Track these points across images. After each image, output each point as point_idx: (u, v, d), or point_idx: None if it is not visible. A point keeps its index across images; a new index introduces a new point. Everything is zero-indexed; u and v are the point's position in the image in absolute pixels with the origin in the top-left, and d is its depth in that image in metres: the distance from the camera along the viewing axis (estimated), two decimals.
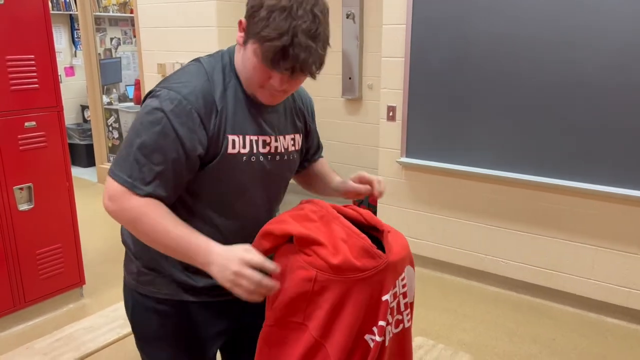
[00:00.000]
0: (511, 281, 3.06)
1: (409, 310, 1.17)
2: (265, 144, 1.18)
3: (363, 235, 1.10)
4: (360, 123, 4.35)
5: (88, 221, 3.83)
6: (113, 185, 1.06)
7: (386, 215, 3.34)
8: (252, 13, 1.01)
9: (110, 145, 5.37)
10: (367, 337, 1.07)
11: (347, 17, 4.13)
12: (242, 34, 1.06)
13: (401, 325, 1.15)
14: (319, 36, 1.00)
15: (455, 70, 2.92)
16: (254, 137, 1.15)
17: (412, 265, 1.20)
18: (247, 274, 0.99)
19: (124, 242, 1.28)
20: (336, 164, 4.39)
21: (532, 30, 2.65)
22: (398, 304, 1.13)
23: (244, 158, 1.15)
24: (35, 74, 2.51)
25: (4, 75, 2.39)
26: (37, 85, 2.53)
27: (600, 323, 2.74)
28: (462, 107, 2.94)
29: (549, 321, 2.75)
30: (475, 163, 2.97)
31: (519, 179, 2.84)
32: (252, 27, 1.01)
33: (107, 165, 5.26)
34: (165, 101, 1.06)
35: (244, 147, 1.14)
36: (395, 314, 1.13)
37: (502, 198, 2.98)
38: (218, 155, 1.11)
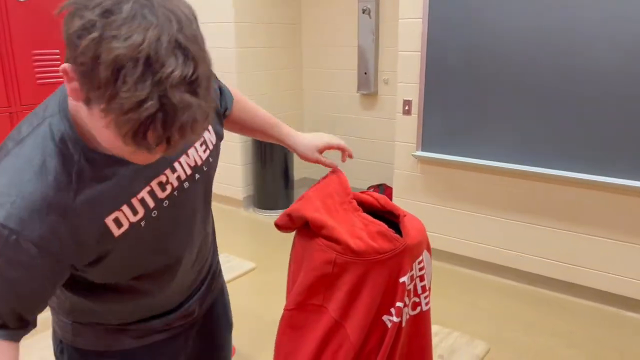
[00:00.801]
0: (528, 275, 3.06)
1: (427, 293, 1.20)
2: (162, 185, 0.90)
3: (379, 222, 1.14)
4: (376, 118, 4.36)
5: None
6: None
7: (402, 208, 3.35)
8: (85, 70, 0.64)
9: None
10: (384, 317, 1.10)
11: (364, 12, 4.15)
12: (77, 87, 0.67)
13: (419, 308, 1.18)
14: (197, 81, 0.66)
15: (472, 64, 2.92)
16: (144, 192, 0.87)
17: (429, 250, 1.23)
18: None
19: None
20: (352, 159, 4.41)
21: (549, 22, 2.64)
22: (415, 286, 1.16)
23: (143, 223, 0.88)
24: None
25: (31, 69, 2.46)
26: (62, 79, 2.59)
27: (619, 317, 2.73)
28: (479, 100, 2.94)
29: (567, 314, 2.75)
30: (492, 156, 2.97)
31: (536, 172, 2.84)
32: (91, 88, 0.64)
33: None
34: None
35: (136, 213, 0.87)
36: (412, 296, 1.16)
37: (518, 191, 2.98)
38: (107, 250, 0.85)
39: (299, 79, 4.71)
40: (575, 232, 2.85)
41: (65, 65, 0.68)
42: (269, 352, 1.22)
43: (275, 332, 1.17)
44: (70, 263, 0.81)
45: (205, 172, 0.99)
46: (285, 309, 1.16)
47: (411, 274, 1.13)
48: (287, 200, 4.32)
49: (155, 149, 0.67)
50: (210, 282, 1.22)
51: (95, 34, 0.62)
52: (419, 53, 3.11)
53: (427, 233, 1.23)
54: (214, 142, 1.03)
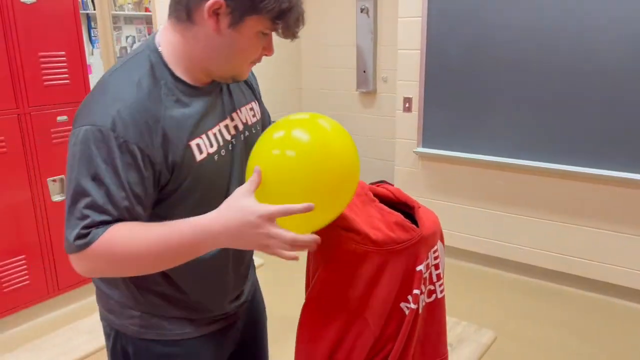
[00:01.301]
0: (530, 267, 3.12)
1: (441, 281, 1.25)
2: (227, 128, 1.07)
3: (396, 212, 1.18)
4: (375, 116, 4.41)
5: None
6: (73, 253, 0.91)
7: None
8: None
9: None
10: (402, 305, 1.15)
11: (362, 12, 4.20)
12: (225, 19, 0.93)
13: (434, 295, 1.23)
14: None
15: (472, 60, 2.98)
16: (216, 129, 1.03)
17: (442, 241, 1.28)
18: (275, 234, 0.89)
19: (106, 296, 1.12)
20: None
21: (548, 19, 2.70)
22: (430, 274, 1.21)
23: (216, 157, 1.02)
24: (66, 69, 2.61)
25: (38, 71, 2.49)
26: (68, 81, 2.62)
27: (617, 306, 2.80)
28: (478, 97, 3.00)
29: (569, 305, 2.81)
30: (492, 152, 3.03)
31: (535, 166, 2.90)
32: (248, 4, 0.91)
33: None
34: (85, 144, 0.89)
35: (212, 145, 1.02)
36: (427, 284, 1.21)
37: (519, 186, 3.04)
38: (187, 172, 0.98)
39: (298, 77, 4.75)
40: (576, 225, 2.92)
41: (211, 8, 0.91)
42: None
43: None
44: (160, 174, 0.95)
45: (250, 136, 1.12)
46: (307, 299, 1.20)
47: (427, 262, 1.18)
48: None
49: (290, 33, 0.96)
50: (250, 269, 1.28)
51: None
52: (419, 51, 3.16)
53: None
54: (258, 115, 1.18)
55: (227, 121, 1.07)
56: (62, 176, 2.66)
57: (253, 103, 1.17)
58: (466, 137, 3.10)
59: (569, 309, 2.78)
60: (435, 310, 1.24)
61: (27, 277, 2.59)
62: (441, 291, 1.25)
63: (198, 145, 0.99)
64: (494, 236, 3.21)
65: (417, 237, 1.14)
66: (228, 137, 1.06)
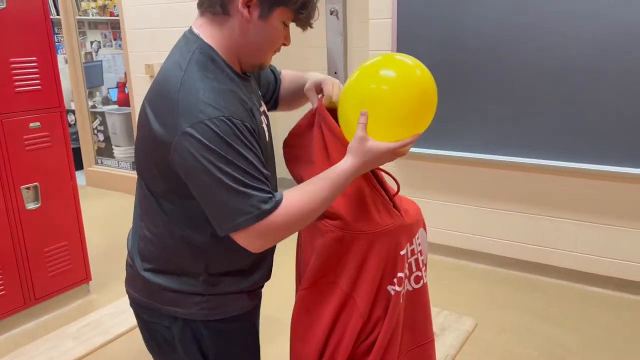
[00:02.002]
0: (500, 258, 3.23)
1: (425, 267, 1.31)
2: (260, 111, 1.19)
3: (384, 194, 1.24)
4: None
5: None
6: (247, 233, 1.01)
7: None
8: None
9: (96, 148, 5.39)
10: (389, 287, 1.21)
11: (331, 14, 4.25)
12: (255, 11, 1.05)
13: (421, 281, 1.29)
14: None
15: (442, 60, 3.07)
16: (259, 109, 1.17)
17: (424, 227, 1.34)
18: (397, 154, 1.14)
19: (162, 290, 1.17)
20: None
21: (518, 16, 2.81)
22: (417, 261, 1.27)
23: (267, 135, 1.18)
24: (37, 75, 2.57)
25: (9, 78, 2.44)
26: (39, 87, 2.58)
27: (587, 292, 2.93)
28: (451, 95, 3.09)
29: (539, 293, 2.93)
30: (466, 148, 3.12)
31: (504, 160, 3.00)
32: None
33: (95, 168, 5.29)
34: (214, 131, 0.97)
35: (262, 122, 1.16)
36: (414, 270, 1.26)
37: (490, 180, 3.15)
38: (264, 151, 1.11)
39: None
40: (543, 216, 3.04)
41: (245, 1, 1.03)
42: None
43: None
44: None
45: (269, 125, 1.24)
46: (300, 289, 1.24)
47: (411, 248, 1.24)
48: None
49: (308, 23, 1.11)
50: None
51: None
52: (390, 52, 3.23)
53: None
54: (268, 113, 1.29)
55: (263, 107, 1.22)
56: (37, 183, 2.62)
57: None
58: (440, 134, 3.18)
59: (539, 296, 2.89)
60: (422, 296, 1.30)
61: (2, 287, 2.53)
62: (425, 276, 1.31)
63: (261, 122, 1.14)
64: (465, 229, 3.30)
65: (399, 222, 1.20)
66: (264, 119, 1.18)
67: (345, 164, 1.08)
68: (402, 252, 1.21)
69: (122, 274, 1.27)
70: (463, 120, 3.09)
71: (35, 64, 2.56)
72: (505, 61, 2.88)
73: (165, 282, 1.15)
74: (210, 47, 1.08)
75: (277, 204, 1.01)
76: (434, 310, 2.20)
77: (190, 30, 1.12)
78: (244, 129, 1.00)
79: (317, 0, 1.11)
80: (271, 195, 1.01)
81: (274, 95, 1.40)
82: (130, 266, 1.23)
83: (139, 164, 1.13)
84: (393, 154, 1.11)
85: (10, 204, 2.52)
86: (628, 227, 2.82)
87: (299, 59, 4.59)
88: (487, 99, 2.98)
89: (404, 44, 3.17)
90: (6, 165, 2.48)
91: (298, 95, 1.41)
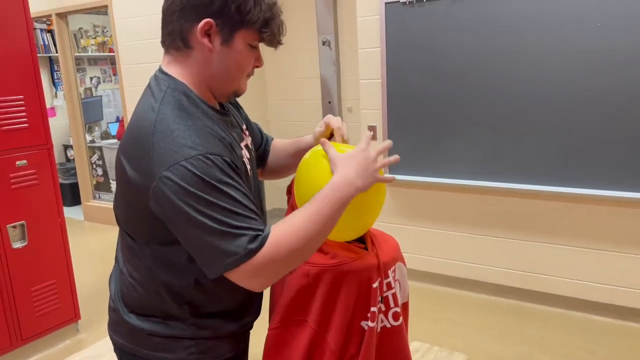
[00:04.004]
0: (497, 287, 3.15)
1: (403, 308, 1.26)
2: (247, 148, 1.17)
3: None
4: None
5: (77, 257, 3.83)
6: (238, 274, 0.95)
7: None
8: (230, 9, 1.00)
9: (94, 182, 5.40)
10: (362, 323, 1.16)
11: (324, 44, 4.29)
12: (217, 38, 1.02)
13: (401, 318, 1.23)
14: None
15: (431, 87, 3.06)
16: (242, 143, 1.15)
17: (403, 262, 1.30)
18: (377, 158, 1.10)
19: (149, 336, 1.13)
20: None
21: (503, 44, 2.81)
22: (394, 295, 1.22)
23: (249, 168, 1.14)
24: (24, 113, 2.58)
25: None
26: (26, 125, 2.59)
27: (587, 321, 2.84)
28: (440, 122, 3.07)
29: (537, 322, 2.84)
30: (456, 175, 3.09)
31: (498, 187, 2.96)
32: (235, 20, 1.01)
33: (93, 203, 5.28)
34: (191, 175, 0.92)
35: (244, 155, 1.13)
36: (391, 305, 1.21)
37: (482, 207, 3.10)
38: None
39: (264, 110, 4.79)
40: (539, 242, 2.97)
41: (209, 20, 1.00)
42: None
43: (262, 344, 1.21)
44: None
45: (252, 159, 1.21)
46: (270, 329, 1.20)
47: (387, 281, 1.20)
48: None
49: (275, 40, 1.08)
50: None
51: None
52: (380, 80, 3.24)
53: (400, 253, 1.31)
54: (251, 147, 1.25)
55: (246, 141, 1.18)
56: (23, 222, 2.60)
57: (243, 127, 1.25)
58: (431, 161, 3.15)
59: (536, 325, 2.80)
60: (403, 334, 1.25)
61: None
62: (404, 317, 1.26)
63: (242, 156, 1.10)
64: (460, 257, 3.24)
65: (365, 256, 1.17)
66: (247, 154, 1.15)
67: (331, 180, 1.03)
68: (374, 285, 1.16)
69: None
70: (452, 147, 3.06)
71: (22, 102, 2.57)
72: (490, 89, 2.87)
73: (152, 327, 1.11)
74: (182, 83, 1.05)
75: (264, 240, 0.95)
76: (424, 347, 2.13)
77: (160, 69, 1.09)
78: (223, 164, 0.95)
79: (281, 15, 1.07)
80: (260, 232, 0.95)
81: (259, 150, 1.37)
82: (113, 310, 1.19)
83: (120, 214, 1.10)
84: (374, 160, 1.08)
85: None
86: (628, 252, 2.75)
87: (293, 90, 4.62)
88: (475, 124, 2.96)
89: (393, 72, 3.17)
90: None
91: (292, 156, 1.39)
